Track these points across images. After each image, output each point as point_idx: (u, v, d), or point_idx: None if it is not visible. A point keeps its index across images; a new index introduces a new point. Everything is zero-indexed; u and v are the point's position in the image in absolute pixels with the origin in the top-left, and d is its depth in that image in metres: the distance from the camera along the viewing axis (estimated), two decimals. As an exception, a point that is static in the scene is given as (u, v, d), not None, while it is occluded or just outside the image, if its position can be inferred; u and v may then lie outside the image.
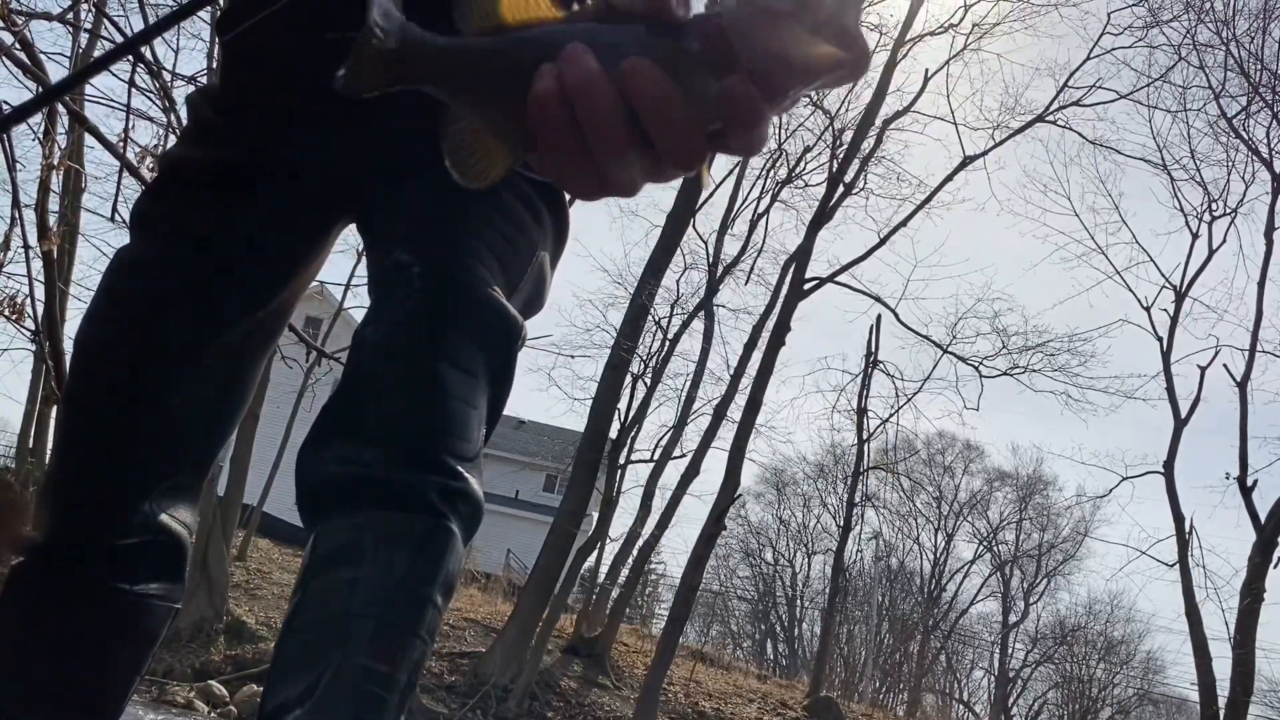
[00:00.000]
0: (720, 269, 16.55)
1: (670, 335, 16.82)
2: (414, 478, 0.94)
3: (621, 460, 16.13)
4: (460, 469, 0.95)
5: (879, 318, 16.89)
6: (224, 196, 1.16)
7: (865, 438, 17.88)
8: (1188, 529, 13.36)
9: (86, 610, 1.18)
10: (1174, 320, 14.52)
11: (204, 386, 1.19)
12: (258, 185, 1.17)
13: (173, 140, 3.57)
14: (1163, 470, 14.01)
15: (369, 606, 0.89)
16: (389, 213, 1.12)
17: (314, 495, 0.97)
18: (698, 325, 16.82)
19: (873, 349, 17.28)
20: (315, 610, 0.91)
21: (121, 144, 3.43)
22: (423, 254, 1.03)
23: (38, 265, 3.31)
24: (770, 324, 14.00)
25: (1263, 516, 12.06)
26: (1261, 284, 13.70)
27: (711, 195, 16.32)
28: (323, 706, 0.86)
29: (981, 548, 35.16)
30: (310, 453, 0.98)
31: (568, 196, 1.17)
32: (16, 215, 3.23)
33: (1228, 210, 14.80)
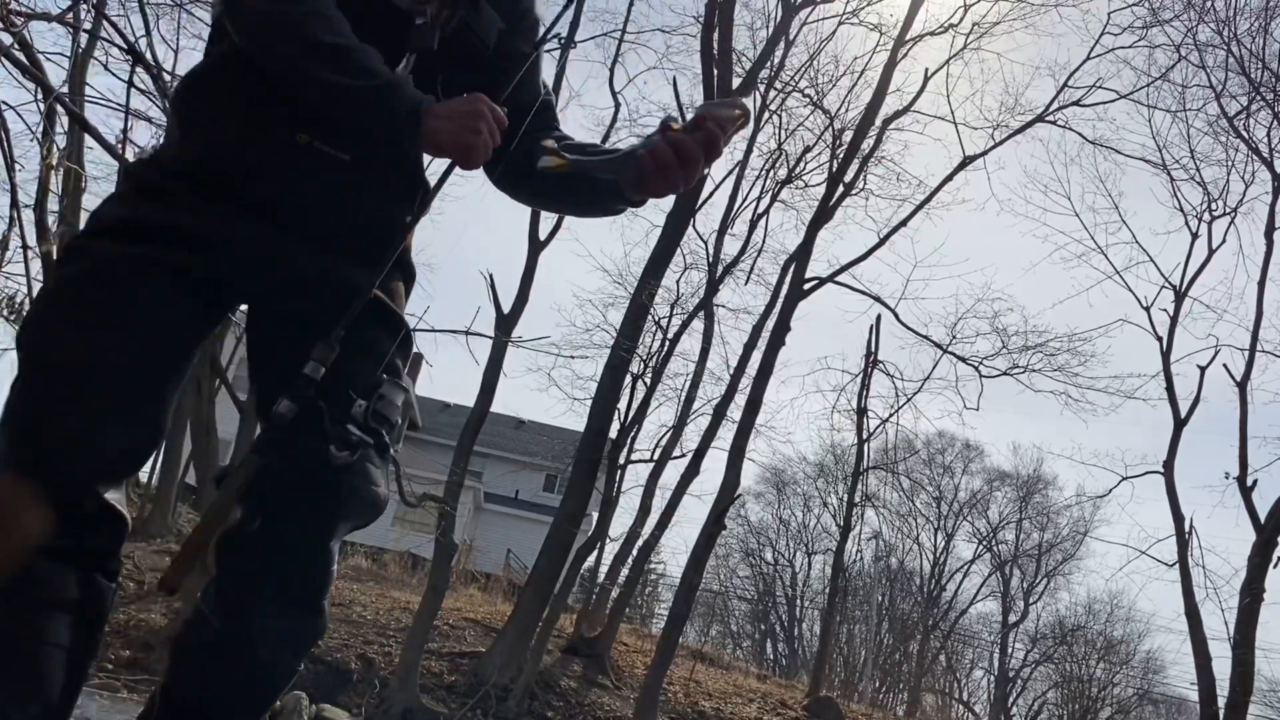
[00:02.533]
0: (720, 269, 16.52)
1: (670, 335, 16.79)
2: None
3: (621, 460, 16.10)
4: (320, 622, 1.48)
5: (879, 318, 16.91)
6: (173, 250, 1.41)
7: (865, 438, 17.87)
8: (1187, 529, 13.36)
9: (59, 600, 1.29)
10: (1174, 320, 14.50)
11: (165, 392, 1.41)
12: (197, 249, 1.43)
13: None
14: (1162, 470, 14.00)
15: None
16: (287, 335, 1.46)
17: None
18: (698, 325, 16.79)
19: (873, 349, 17.28)
20: None
21: (121, 144, 3.43)
22: (332, 447, 1.36)
23: (37, 265, 3.30)
24: (770, 324, 13.99)
25: (1263, 516, 12.05)
26: (1261, 284, 13.69)
27: (712, 195, 16.32)
28: None
29: (981, 548, 35.18)
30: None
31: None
32: (16, 215, 3.22)
33: (1228, 210, 14.76)
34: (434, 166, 1.60)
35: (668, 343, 16.72)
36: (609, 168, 1.43)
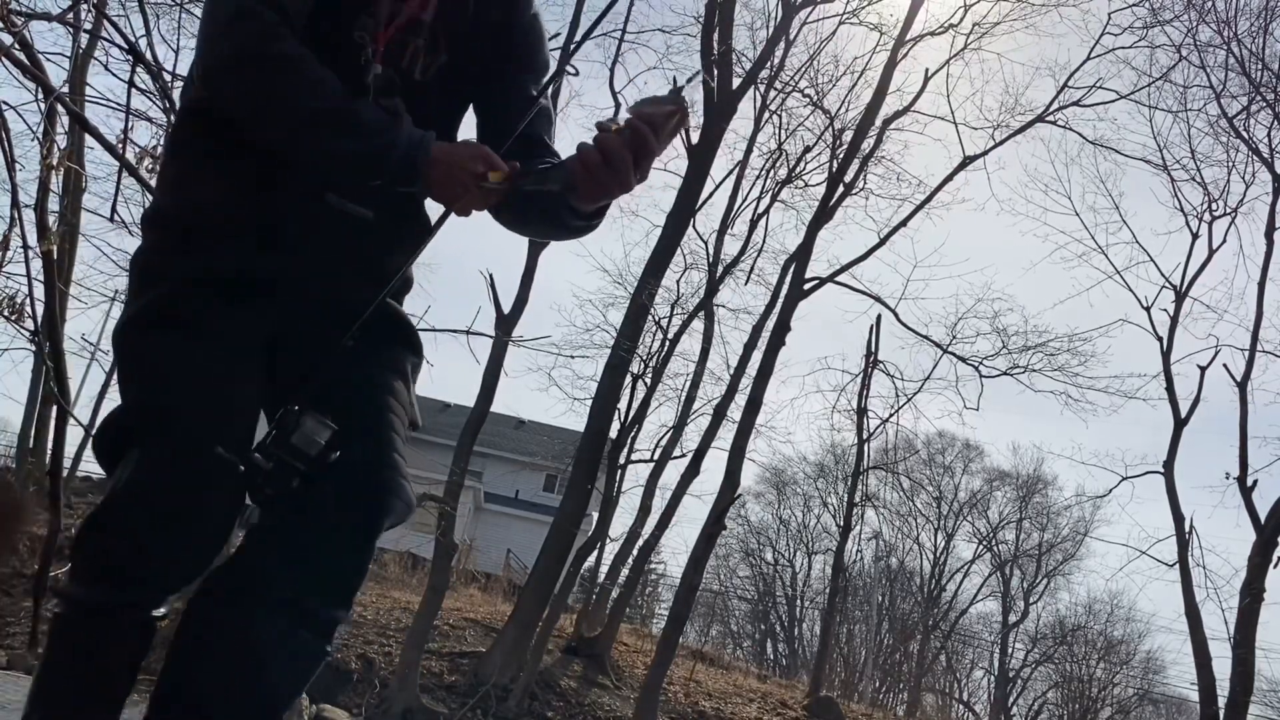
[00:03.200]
0: (720, 269, 16.52)
1: (670, 335, 16.79)
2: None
3: (621, 460, 16.10)
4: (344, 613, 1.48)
5: (879, 318, 16.88)
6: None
7: (865, 438, 17.86)
8: (1188, 529, 13.35)
9: (133, 647, 1.45)
10: (1174, 320, 14.49)
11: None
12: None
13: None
14: (1162, 470, 13.99)
15: None
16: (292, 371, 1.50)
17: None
18: (698, 325, 16.80)
19: (873, 349, 17.27)
20: None
21: (121, 144, 3.43)
22: (361, 452, 1.45)
23: (38, 265, 3.29)
24: (770, 324, 13.98)
25: (1263, 516, 12.05)
26: (1261, 284, 13.69)
27: (712, 195, 16.30)
28: None
29: (981, 548, 35.20)
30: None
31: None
32: (16, 215, 3.22)
33: (1228, 210, 14.75)
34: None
35: (668, 343, 16.74)
36: (545, 177, 1.43)
